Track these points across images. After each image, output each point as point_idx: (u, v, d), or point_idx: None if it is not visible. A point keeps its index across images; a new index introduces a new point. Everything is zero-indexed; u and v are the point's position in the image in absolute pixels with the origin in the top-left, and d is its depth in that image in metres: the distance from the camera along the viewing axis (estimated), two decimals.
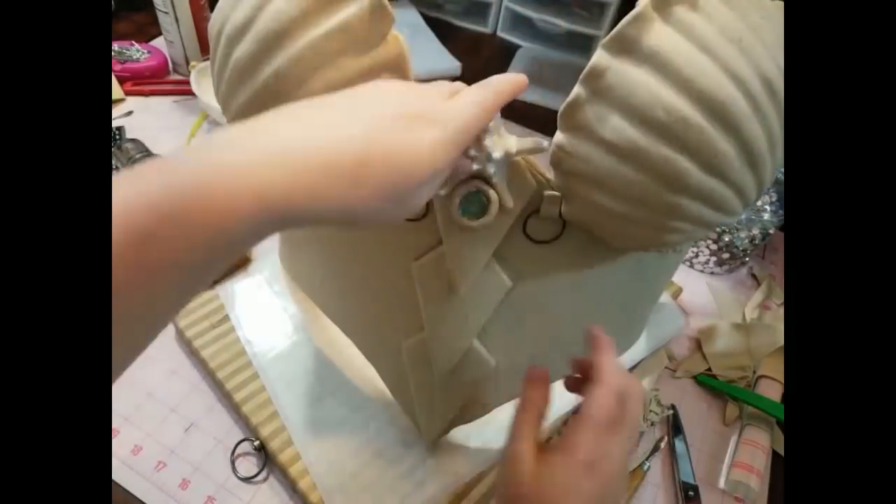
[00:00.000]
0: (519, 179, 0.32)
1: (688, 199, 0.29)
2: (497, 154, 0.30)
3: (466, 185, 0.31)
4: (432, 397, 0.41)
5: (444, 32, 0.96)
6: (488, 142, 0.29)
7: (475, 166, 0.30)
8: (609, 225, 0.33)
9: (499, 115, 0.30)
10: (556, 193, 0.33)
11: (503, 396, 0.43)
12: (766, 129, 0.29)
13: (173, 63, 0.80)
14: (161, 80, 0.78)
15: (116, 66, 0.76)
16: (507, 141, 0.30)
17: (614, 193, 0.30)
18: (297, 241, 0.47)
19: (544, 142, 0.30)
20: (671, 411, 0.51)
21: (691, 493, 0.47)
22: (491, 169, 0.30)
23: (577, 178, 0.31)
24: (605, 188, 0.30)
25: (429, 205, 0.34)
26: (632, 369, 0.53)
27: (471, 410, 0.43)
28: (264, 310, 0.51)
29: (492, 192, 0.31)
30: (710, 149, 0.28)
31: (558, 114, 0.30)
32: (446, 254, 0.35)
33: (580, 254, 0.36)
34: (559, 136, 0.31)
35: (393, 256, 0.38)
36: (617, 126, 0.28)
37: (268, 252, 0.56)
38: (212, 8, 0.80)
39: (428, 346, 0.39)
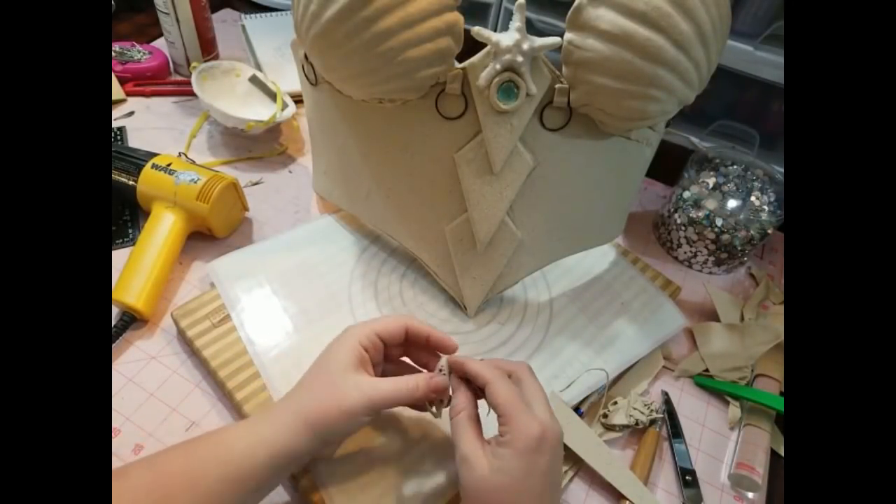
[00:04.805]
0: (539, 72, 0.43)
1: (664, 69, 0.39)
2: (525, 46, 0.40)
3: (501, 76, 0.41)
4: (473, 270, 0.51)
5: None
6: (520, 38, 0.40)
7: (507, 57, 0.40)
8: (606, 102, 0.42)
9: (521, 21, 0.40)
10: (566, 85, 0.43)
11: (525, 269, 0.53)
12: (710, 16, 0.39)
13: (174, 64, 0.80)
14: (162, 81, 0.79)
15: (117, 67, 0.76)
16: (532, 39, 0.40)
17: (611, 73, 0.40)
18: (343, 168, 0.55)
19: (558, 39, 0.41)
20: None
21: (689, 477, 0.48)
22: (519, 59, 0.40)
23: (582, 66, 0.41)
24: (604, 70, 0.40)
25: (466, 105, 0.44)
26: (629, 369, 0.54)
27: (503, 281, 0.53)
28: (265, 309, 0.51)
29: (520, 81, 0.42)
30: (677, 28, 0.38)
31: (566, 18, 0.40)
32: (484, 138, 0.45)
33: (582, 138, 0.47)
34: (568, 34, 0.41)
35: (437, 154, 0.48)
36: (610, 19, 0.38)
37: (268, 252, 0.56)
38: (212, 8, 0.80)
39: (471, 221, 0.49)
